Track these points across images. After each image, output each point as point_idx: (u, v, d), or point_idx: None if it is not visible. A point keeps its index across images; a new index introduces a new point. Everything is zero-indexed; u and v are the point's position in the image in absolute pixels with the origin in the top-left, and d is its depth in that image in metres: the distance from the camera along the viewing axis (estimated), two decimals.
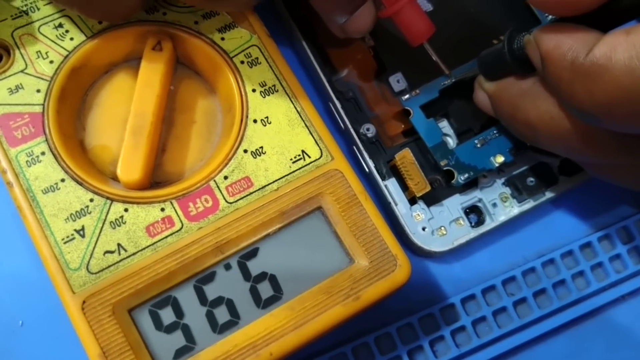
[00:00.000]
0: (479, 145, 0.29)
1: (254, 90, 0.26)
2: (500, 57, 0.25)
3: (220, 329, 0.24)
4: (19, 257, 0.27)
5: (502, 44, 0.24)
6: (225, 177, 0.25)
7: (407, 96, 0.29)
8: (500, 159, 0.28)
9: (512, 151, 0.29)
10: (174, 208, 0.24)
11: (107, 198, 0.24)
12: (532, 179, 0.30)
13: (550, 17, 0.31)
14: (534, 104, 0.24)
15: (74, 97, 0.26)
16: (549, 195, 0.29)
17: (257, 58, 0.27)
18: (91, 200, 0.24)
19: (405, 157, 0.28)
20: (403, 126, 0.30)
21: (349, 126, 0.29)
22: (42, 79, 0.25)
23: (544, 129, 0.24)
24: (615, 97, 0.19)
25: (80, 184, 0.24)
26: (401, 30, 0.27)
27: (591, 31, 0.21)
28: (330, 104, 0.30)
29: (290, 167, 0.26)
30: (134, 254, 0.24)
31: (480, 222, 0.29)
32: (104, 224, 0.24)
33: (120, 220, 0.24)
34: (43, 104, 0.25)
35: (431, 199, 0.29)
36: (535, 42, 0.22)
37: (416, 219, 0.29)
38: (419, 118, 0.29)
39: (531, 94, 0.24)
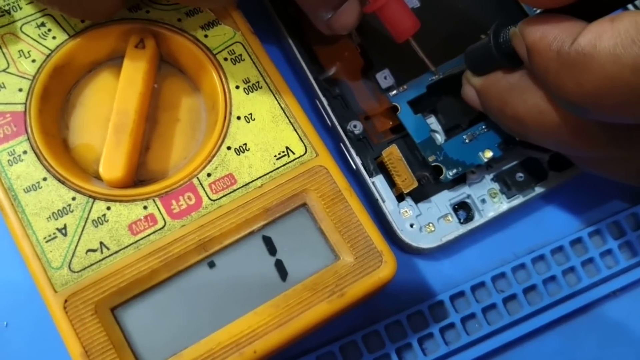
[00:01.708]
0: (467, 141, 0.28)
1: (237, 87, 0.26)
2: (486, 52, 0.25)
3: (203, 327, 0.23)
4: (2, 257, 0.27)
5: (488, 38, 0.24)
6: (209, 175, 0.25)
7: (394, 92, 0.29)
8: (489, 154, 0.28)
9: (501, 146, 0.28)
10: (156, 206, 0.24)
11: (90, 196, 0.24)
12: (521, 174, 0.29)
13: (537, 10, 0.30)
14: (522, 98, 0.23)
15: (57, 96, 0.26)
16: (538, 190, 0.29)
17: (240, 55, 0.27)
18: (73, 198, 0.24)
19: (392, 154, 0.28)
20: (391, 123, 0.30)
21: (336, 123, 0.29)
22: (24, 78, 0.25)
23: (533, 123, 0.23)
24: (602, 87, 0.19)
25: (62, 183, 0.24)
26: (386, 26, 0.26)
27: (577, 21, 0.20)
28: (317, 102, 0.30)
29: (274, 163, 0.25)
30: (116, 252, 0.24)
31: (469, 218, 0.29)
32: (86, 222, 0.24)
33: (102, 218, 0.24)
34: (25, 103, 0.25)
35: (419, 196, 0.29)
36: (521, 34, 0.22)
37: (404, 216, 0.28)
38: (407, 114, 0.29)
39: (519, 88, 0.24)
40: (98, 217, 0.24)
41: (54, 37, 0.26)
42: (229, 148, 0.25)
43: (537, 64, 0.21)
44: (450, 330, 0.28)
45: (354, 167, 0.29)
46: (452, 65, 0.29)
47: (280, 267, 0.24)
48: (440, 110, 0.30)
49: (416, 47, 0.27)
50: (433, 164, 0.28)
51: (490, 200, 0.29)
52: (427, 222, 0.29)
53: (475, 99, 0.26)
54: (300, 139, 0.26)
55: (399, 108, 0.29)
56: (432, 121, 0.30)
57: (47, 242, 0.23)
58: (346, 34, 0.29)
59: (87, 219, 0.24)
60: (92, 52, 0.26)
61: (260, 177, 0.25)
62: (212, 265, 0.24)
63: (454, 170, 0.28)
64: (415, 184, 0.28)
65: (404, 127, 0.29)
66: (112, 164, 0.24)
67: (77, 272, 0.23)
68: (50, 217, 0.24)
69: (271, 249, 0.25)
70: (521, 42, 0.22)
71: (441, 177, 0.28)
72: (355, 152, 0.29)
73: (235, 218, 0.24)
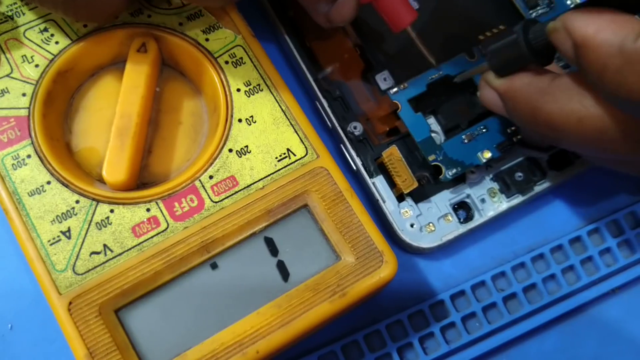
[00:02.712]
0: (466, 141, 0.29)
1: (238, 90, 0.26)
2: (514, 49, 0.23)
3: (206, 327, 0.24)
4: (7, 260, 0.27)
5: (516, 35, 0.23)
6: (211, 177, 0.25)
7: (395, 89, 0.29)
8: (487, 154, 0.28)
9: (499, 147, 0.29)
10: (159, 208, 0.25)
11: (93, 199, 0.24)
12: (520, 174, 0.29)
13: (540, 10, 0.31)
14: (557, 105, 0.22)
15: (60, 100, 0.26)
16: (537, 190, 0.29)
17: (241, 58, 0.27)
18: (77, 201, 0.24)
19: (393, 154, 0.28)
20: (391, 124, 0.30)
21: (336, 125, 0.29)
22: (28, 82, 0.25)
23: (571, 131, 0.22)
24: None
25: (66, 186, 0.24)
26: (382, 16, 0.27)
27: (631, 16, 0.19)
28: (317, 103, 0.30)
29: (275, 165, 0.26)
30: (120, 254, 0.24)
31: (468, 217, 0.29)
32: (89, 225, 0.24)
33: (106, 221, 0.24)
34: (29, 108, 0.25)
35: (419, 196, 0.29)
36: (567, 29, 0.21)
37: (404, 216, 0.29)
38: (407, 112, 0.29)
39: (552, 93, 0.22)
40: (101, 220, 0.24)
41: (56, 42, 0.26)
42: (230, 150, 0.26)
43: (591, 61, 0.20)
44: (451, 330, 0.29)
45: (355, 168, 0.29)
46: (450, 65, 0.29)
47: (282, 267, 0.25)
48: (439, 111, 0.30)
49: (415, 38, 0.27)
50: (433, 163, 0.28)
51: (489, 200, 0.29)
52: (427, 222, 0.29)
53: (496, 103, 0.25)
54: (301, 140, 0.26)
55: (399, 106, 0.29)
56: (432, 122, 0.30)
57: (51, 245, 0.24)
58: (344, 28, 0.28)
59: (90, 221, 0.24)
60: (95, 57, 0.27)
61: (261, 179, 0.25)
62: (214, 266, 0.24)
63: (454, 170, 0.28)
64: (415, 184, 0.28)
65: (403, 128, 0.29)
66: (116, 167, 0.25)
67: (81, 274, 0.23)
68: (54, 220, 0.24)
69: (273, 250, 0.25)
70: (565, 37, 0.21)
71: (441, 176, 0.28)
72: (356, 153, 0.29)
73: (238, 220, 0.25)
